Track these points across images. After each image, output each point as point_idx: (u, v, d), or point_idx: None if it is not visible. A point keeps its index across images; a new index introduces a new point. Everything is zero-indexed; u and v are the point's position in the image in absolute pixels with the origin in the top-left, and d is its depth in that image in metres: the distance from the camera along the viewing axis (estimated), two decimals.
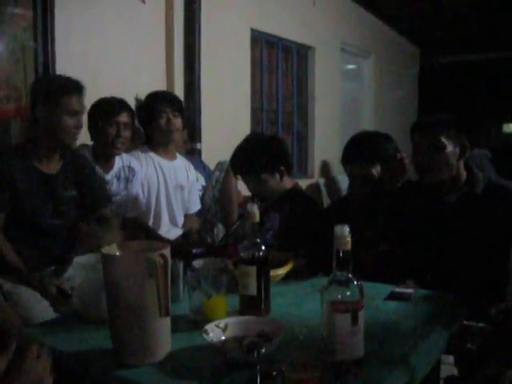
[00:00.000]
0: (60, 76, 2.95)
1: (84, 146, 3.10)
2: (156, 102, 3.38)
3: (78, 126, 2.52)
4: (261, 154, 2.75)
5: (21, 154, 2.48)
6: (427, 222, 2.42)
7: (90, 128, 3.09)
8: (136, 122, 3.32)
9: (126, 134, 3.08)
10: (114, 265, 1.48)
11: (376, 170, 2.66)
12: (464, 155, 2.38)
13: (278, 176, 2.76)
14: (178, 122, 3.40)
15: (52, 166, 2.56)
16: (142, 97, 3.50)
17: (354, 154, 2.70)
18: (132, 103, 3.43)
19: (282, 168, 2.77)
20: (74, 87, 2.54)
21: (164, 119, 3.35)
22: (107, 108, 3.06)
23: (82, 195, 2.68)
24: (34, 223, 2.48)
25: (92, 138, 3.12)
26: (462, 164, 2.40)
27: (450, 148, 2.33)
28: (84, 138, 3.12)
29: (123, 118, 3.06)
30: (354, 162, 2.69)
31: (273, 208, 2.76)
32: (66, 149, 2.58)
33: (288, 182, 2.86)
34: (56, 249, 2.57)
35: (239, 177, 2.95)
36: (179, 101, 3.59)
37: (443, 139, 2.33)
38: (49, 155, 2.54)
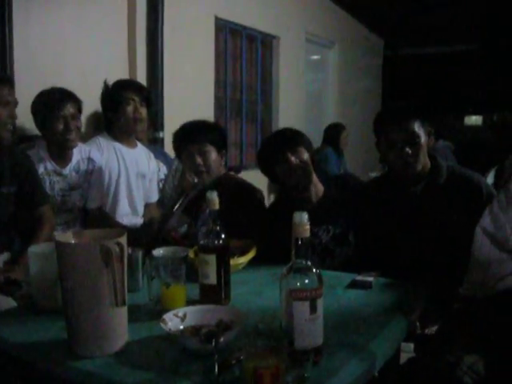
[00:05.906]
0: None
1: (39, 142, 3.02)
2: (124, 90, 3.35)
3: (10, 117, 2.48)
4: (211, 128, 2.80)
5: None
6: (393, 214, 2.40)
7: (36, 124, 3.00)
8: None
9: (76, 124, 2.97)
10: (68, 253, 1.43)
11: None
12: (428, 142, 2.38)
13: (219, 156, 2.76)
14: (144, 111, 3.39)
15: None
16: (110, 83, 3.45)
17: (294, 141, 2.51)
18: (93, 91, 3.38)
19: (224, 152, 2.80)
20: (4, 79, 2.54)
21: (131, 106, 3.32)
22: (50, 102, 2.92)
23: (21, 192, 2.62)
24: None
25: (42, 134, 3.02)
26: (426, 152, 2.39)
27: (423, 137, 2.31)
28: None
29: (69, 109, 2.94)
30: (292, 149, 2.47)
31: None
32: None
33: (224, 170, 2.87)
34: None
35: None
36: (148, 91, 3.57)
37: (417, 129, 2.30)
38: None
